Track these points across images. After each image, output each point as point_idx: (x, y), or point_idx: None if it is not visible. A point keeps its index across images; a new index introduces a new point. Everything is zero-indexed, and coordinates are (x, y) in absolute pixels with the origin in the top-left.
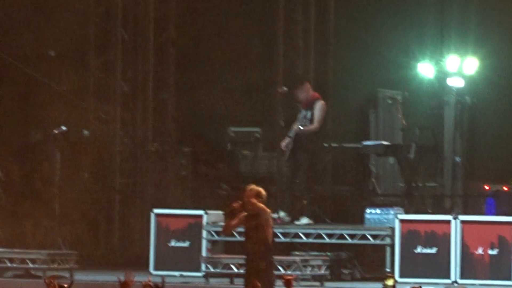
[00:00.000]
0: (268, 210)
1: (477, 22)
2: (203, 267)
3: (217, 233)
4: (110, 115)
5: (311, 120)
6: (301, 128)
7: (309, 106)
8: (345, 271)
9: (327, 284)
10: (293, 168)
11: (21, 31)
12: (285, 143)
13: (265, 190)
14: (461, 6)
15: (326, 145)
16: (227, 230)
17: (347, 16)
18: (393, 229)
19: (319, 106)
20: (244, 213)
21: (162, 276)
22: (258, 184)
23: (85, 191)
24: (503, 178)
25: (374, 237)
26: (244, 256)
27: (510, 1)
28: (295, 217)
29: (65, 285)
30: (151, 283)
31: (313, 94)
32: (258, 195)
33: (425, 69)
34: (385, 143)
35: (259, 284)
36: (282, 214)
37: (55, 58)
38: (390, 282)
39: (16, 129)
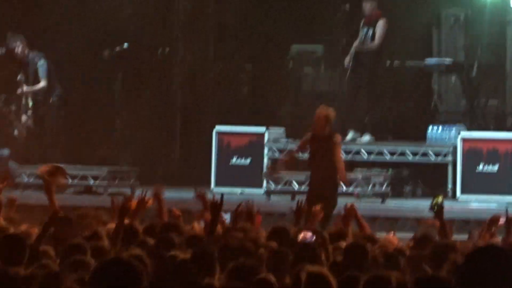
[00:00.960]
0: (337, 134)
1: None
2: (264, 184)
3: (279, 150)
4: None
5: (372, 38)
6: (371, 46)
7: (372, 23)
8: (407, 188)
9: (388, 200)
10: (354, 86)
11: None
12: (346, 62)
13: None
14: None
15: (388, 62)
16: (292, 160)
17: None
18: (455, 147)
19: (381, 23)
20: (309, 134)
21: (222, 194)
22: (320, 102)
23: (146, 109)
24: None
25: (436, 154)
26: (307, 173)
27: None
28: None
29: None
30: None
31: (377, 11)
32: (327, 117)
33: None
34: (447, 61)
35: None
36: (351, 134)
37: None
38: (438, 199)
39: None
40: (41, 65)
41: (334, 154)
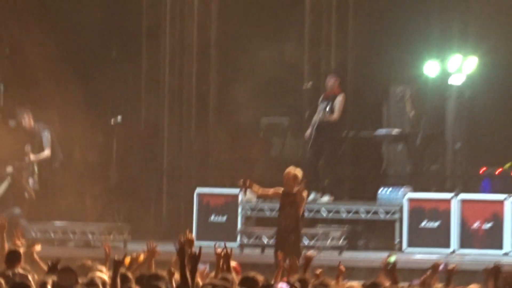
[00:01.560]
0: (305, 191)
1: (477, 25)
2: (238, 238)
3: (251, 209)
4: (159, 107)
5: (331, 111)
6: (330, 117)
7: (330, 98)
8: (360, 242)
9: (344, 253)
10: (316, 153)
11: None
12: (308, 133)
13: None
14: (462, 9)
15: (345, 132)
16: (261, 195)
17: (364, 22)
18: (401, 206)
19: (340, 98)
20: (280, 189)
21: (200, 247)
22: (286, 167)
23: (137, 172)
24: (498, 161)
25: (386, 212)
26: (275, 229)
27: (507, 4)
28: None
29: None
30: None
31: (336, 88)
32: (296, 177)
33: (430, 67)
34: (395, 131)
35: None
36: (312, 195)
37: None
38: (392, 258)
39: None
40: (45, 136)
41: (299, 208)
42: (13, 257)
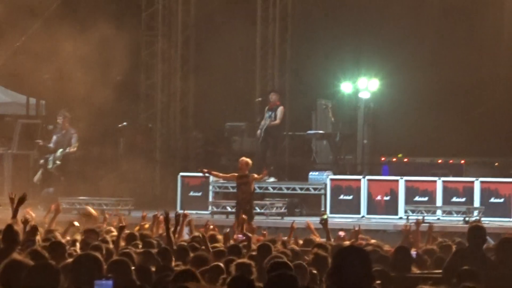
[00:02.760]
0: (254, 174)
1: (378, 55)
2: (210, 208)
3: (219, 187)
4: (154, 116)
5: (275, 118)
6: (272, 123)
7: (274, 108)
8: (297, 210)
9: (285, 218)
10: (264, 148)
11: None
12: (258, 133)
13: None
14: (368, 44)
15: (285, 133)
16: (221, 177)
17: (297, 53)
18: (326, 184)
19: (281, 108)
20: (235, 173)
21: (165, 210)
22: (243, 156)
23: (138, 162)
24: (393, 153)
25: (315, 189)
26: (235, 201)
27: (399, 40)
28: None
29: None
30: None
31: (277, 101)
32: (247, 163)
33: (345, 86)
34: (321, 131)
35: (245, 217)
36: (271, 179)
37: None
38: (324, 216)
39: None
40: (74, 136)
41: (251, 185)
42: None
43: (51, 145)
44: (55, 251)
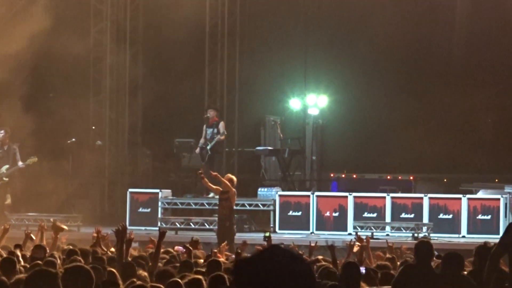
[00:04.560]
0: (234, 190)
1: (327, 73)
2: (159, 223)
3: (167, 203)
4: (102, 133)
5: (218, 133)
6: (220, 138)
7: (214, 125)
8: (246, 226)
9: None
10: (211, 164)
11: None
12: (197, 150)
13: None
14: (316, 63)
15: (234, 149)
16: (208, 186)
17: (247, 71)
18: (274, 201)
19: (222, 124)
20: (219, 188)
21: (122, 224)
22: (193, 173)
23: (87, 178)
24: (342, 169)
25: (263, 205)
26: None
27: (346, 60)
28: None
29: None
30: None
31: (215, 117)
32: (230, 180)
33: (294, 103)
34: (269, 148)
35: (225, 245)
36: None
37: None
38: (267, 233)
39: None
40: (17, 151)
41: (231, 201)
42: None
43: None
44: (5, 267)
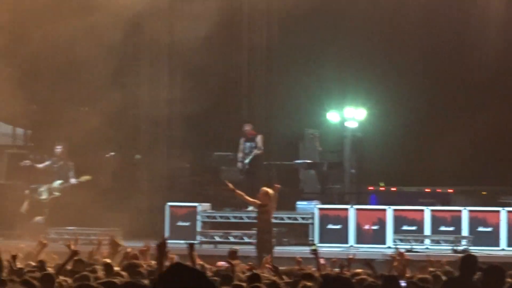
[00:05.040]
0: (273, 203)
1: (365, 85)
2: (198, 237)
3: (207, 216)
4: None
5: (255, 147)
6: (257, 152)
7: (251, 139)
8: (285, 239)
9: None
10: (249, 178)
11: None
12: (239, 165)
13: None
14: (354, 75)
15: (272, 162)
16: (242, 198)
17: (286, 78)
18: (313, 214)
19: (260, 138)
20: (257, 201)
21: (164, 238)
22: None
23: (126, 192)
24: (380, 182)
25: (303, 218)
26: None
27: (388, 66)
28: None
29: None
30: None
31: (252, 131)
32: (267, 193)
33: (332, 116)
34: (308, 161)
35: (268, 259)
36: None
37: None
38: (313, 247)
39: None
40: (72, 167)
41: (269, 215)
42: None
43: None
44: (45, 282)
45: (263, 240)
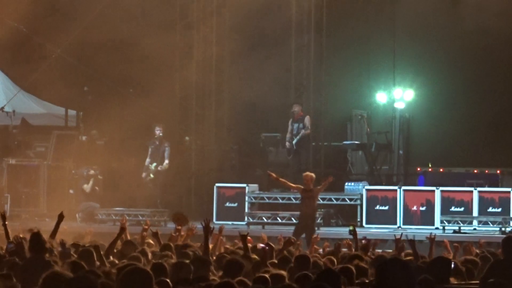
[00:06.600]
0: (318, 187)
1: (413, 66)
2: (246, 218)
3: (255, 197)
4: (189, 128)
5: (303, 128)
6: (305, 133)
7: (299, 119)
8: (333, 221)
9: (321, 228)
10: (297, 159)
11: None
12: (287, 145)
13: (284, 171)
14: (402, 56)
15: (320, 143)
16: (284, 185)
17: (333, 67)
18: (361, 195)
19: (308, 119)
20: (300, 186)
21: (206, 218)
22: (280, 169)
23: (175, 174)
24: (428, 163)
25: (350, 199)
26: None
27: (433, 52)
28: None
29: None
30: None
31: (301, 112)
32: (312, 178)
33: (380, 97)
34: (356, 142)
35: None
36: None
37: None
38: (351, 227)
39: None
40: (167, 148)
41: (315, 200)
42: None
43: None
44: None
45: (305, 225)
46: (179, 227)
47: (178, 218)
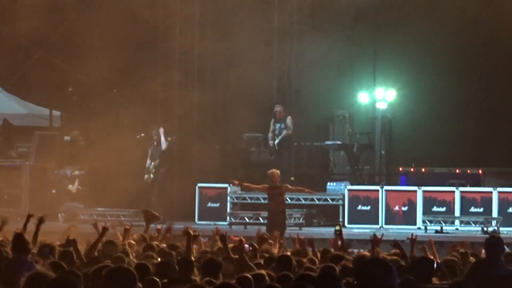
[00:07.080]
0: (286, 184)
1: (395, 67)
2: (228, 218)
3: (236, 198)
4: (171, 128)
5: (285, 128)
6: (287, 133)
7: (281, 120)
8: (315, 220)
9: (303, 228)
10: (278, 159)
11: None
12: (270, 144)
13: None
14: (384, 56)
15: (302, 143)
16: (248, 189)
17: (315, 67)
18: (343, 195)
19: (290, 118)
20: (266, 185)
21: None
22: (261, 169)
23: (155, 173)
24: (411, 163)
25: (332, 200)
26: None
27: (414, 54)
28: None
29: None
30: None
31: (283, 112)
32: (278, 175)
33: (362, 97)
34: (338, 142)
35: (279, 233)
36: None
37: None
38: (337, 227)
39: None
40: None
41: (283, 196)
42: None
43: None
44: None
45: (275, 221)
46: (149, 224)
47: (147, 215)
